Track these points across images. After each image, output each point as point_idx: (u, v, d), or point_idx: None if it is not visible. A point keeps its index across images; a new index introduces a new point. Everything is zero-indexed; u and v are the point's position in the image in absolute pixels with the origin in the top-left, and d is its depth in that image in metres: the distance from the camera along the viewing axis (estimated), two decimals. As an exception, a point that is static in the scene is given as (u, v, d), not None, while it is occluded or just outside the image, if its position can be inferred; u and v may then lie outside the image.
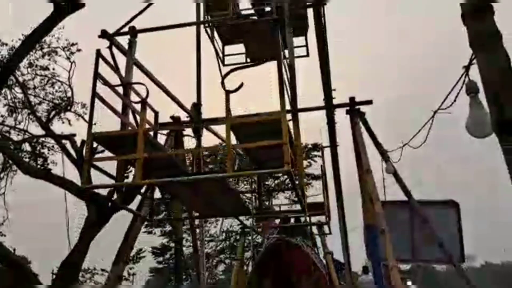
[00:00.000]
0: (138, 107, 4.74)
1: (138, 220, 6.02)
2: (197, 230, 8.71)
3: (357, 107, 7.01)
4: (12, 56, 6.45)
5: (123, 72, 5.00)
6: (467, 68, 3.10)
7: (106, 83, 4.39)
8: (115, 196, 8.99)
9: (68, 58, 12.35)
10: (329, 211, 8.95)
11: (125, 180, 4.76)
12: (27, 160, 10.25)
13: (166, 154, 4.38)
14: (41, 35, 6.08)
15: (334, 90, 7.46)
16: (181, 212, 7.77)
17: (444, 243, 6.43)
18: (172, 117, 7.66)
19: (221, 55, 8.01)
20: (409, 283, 21.33)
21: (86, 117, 12.43)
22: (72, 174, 10.05)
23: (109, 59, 4.97)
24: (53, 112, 12.17)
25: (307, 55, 7.96)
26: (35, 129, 11.56)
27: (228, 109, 3.88)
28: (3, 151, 8.82)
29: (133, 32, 5.31)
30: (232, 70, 4.18)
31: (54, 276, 18.99)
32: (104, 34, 5.04)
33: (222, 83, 3.96)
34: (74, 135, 11.41)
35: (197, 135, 8.01)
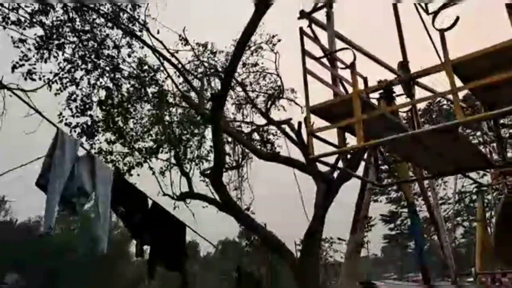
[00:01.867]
0: (346, 76, 4.79)
1: (366, 188, 6.10)
2: (429, 193, 8.31)
3: None
4: (230, 60, 7.37)
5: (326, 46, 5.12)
6: None
7: (312, 57, 4.57)
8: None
9: (272, 50, 13.45)
10: None
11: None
12: (259, 147, 11.72)
13: (383, 112, 4.23)
14: (249, 35, 6.77)
15: None
16: (407, 175, 7.53)
17: None
18: (379, 81, 7.47)
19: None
20: None
21: (297, 100, 13.39)
22: (295, 154, 10.96)
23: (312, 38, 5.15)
24: (269, 102, 13.48)
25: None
26: (259, 120, 13.08)
27: (445, 49, 3.47)
28: (241, 142, 10.23)
29: (330, 3, 5.39)
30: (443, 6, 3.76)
31: (296, 247, 21.25)
32: (302, 15, 5.25)
33: (433, 22, 3.62)
34: (290, 119, 12.43)
35: (409, 94, 7.62)
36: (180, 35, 12.21)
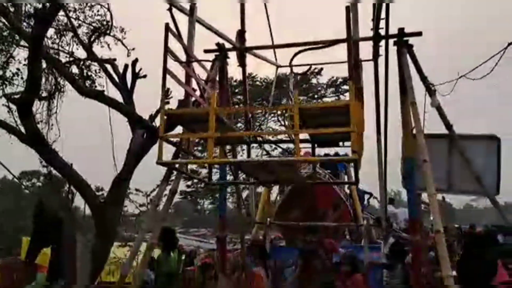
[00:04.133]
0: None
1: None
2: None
3: (406, 38, 6.93)
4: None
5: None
6: None
7: (176, 59, 4.39)
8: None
9: (106, -20, 12.25)
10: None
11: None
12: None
13: (238, 134, 4.57)
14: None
15: (383, 19, 7.34)
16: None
17: (482, 176, 6.64)
18: (217, 44, 7.78)
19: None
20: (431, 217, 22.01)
21: (125, 41, 12.65)
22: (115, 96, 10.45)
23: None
24: (94, 36, 12.33)
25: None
26: (79, 53, 11.85)
27: (296, 98, 3.99)
28: (58, 68, 9.18)
29: None
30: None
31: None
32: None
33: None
34: (115, 59, 11.70)
35: (242, 62, 8.19)
36: None
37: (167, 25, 4.23)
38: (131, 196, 27.21)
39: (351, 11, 4.37)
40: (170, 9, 5.31)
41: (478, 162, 6.66)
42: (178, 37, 4.72)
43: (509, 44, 5.17)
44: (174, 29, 5.51)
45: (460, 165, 6.82)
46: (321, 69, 31.24)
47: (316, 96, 34.24)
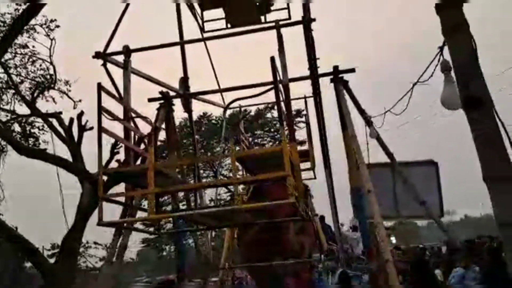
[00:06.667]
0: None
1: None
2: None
3: (341, 75, 7.29)
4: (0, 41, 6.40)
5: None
6: (441, 48, 3.40)
7: (112, 116, 4.33)
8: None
9: (47, 35, 12.20)
10: (313, 158, 9.39)
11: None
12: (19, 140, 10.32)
13: (178, 188, 4.56)
14: (29, 18, 6.08)
15: (318, 59, 7.71)
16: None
17: (425, 199, 6.92)
18: (161, 92, 7.84)
19: (200, 21, 8.01)
20: (392, 237, 22.46)
21: (70, 94, 12.50)
22: (62, 152, 10.19)
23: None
24: (37, 91, 12.11)
25: (289, 17, 7.93)
26: (22, 110, 11.57)
27: (233, 148, 4.07)
28: (-1, 133, 8.88)
29: (127, 52, 5.40)
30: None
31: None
32: (98, 55, 5.12)
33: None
34: (61, 113, 11.47)
35: (188, 108, 8.26)
36: None
37: (99, 84, 4.16)
38: (90, 250, 25.97)
39: (279, 58, 4.58)
40: (104, 65, 5.33)
41: (420, 186, 6.96)
42: (114, 94, 4.72)
43: (414, 84, 5.58)
44: (111, 83, 5.53)
45: (405, 191, 7.10)
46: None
47: (272, 129, 34.76)
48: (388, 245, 6.35)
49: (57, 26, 12.27)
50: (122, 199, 5.08)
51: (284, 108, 4.47)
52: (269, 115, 35.98)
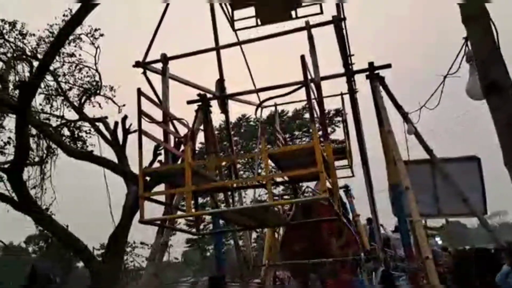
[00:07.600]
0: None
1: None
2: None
3: (376, 71, 7.20)
4: (48, 49, 6.82)
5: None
6: (466, 39, 3.31)
7: (151, 120, 4.51)
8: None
9: (92, 44, 12.81)
10: (351, 155, 9.29)
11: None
12: (69, 143, 10.93)
13: (212, 186, 4.64)
14: (74, 27, 6.45)
15: (353, 55, 7.67)
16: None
17: (467, 196, 6.70)
18: (198, 95, 8.06)
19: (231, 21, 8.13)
20: (437, 238, 21.62)
21: (115, 99, 13.05)
22: (109, 154, 10.70)
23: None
24: (84, 97, 12.75)
25: (321, 11, 7.86)
26: (71, 115, 12.22)
27: (264, 146, 4.13)
28: (46, 133, 9.43)
29: (165, 60, 5.64)
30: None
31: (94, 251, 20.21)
32: (138, 64, 5.38)
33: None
34: (106, 117, 12.05)
35: (224, 109, 8.44)
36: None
37: (139, 90, 4.36)
38: (136, 250, 26.84)
39: (310, 58, 4.62)
40: (144, 73, 5.59)
41: (462, 183, 6.75)
42: (153, 99, 4.94)
43: (445, 77, 5.43)
44: (150, 89, 5.78)
45: (445, 188, 6.90)
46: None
47: (310, 130, 34.49)
48: (428, 244, 6.19)
49: (101, 35, 12.85)
50: (162, 198, 5.30)
51: (316, 107, 4.50)
52: (307, 115, 35.81)
